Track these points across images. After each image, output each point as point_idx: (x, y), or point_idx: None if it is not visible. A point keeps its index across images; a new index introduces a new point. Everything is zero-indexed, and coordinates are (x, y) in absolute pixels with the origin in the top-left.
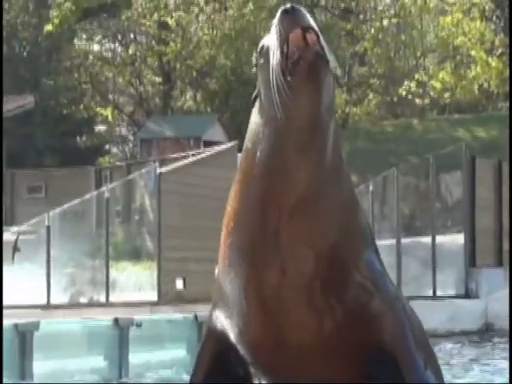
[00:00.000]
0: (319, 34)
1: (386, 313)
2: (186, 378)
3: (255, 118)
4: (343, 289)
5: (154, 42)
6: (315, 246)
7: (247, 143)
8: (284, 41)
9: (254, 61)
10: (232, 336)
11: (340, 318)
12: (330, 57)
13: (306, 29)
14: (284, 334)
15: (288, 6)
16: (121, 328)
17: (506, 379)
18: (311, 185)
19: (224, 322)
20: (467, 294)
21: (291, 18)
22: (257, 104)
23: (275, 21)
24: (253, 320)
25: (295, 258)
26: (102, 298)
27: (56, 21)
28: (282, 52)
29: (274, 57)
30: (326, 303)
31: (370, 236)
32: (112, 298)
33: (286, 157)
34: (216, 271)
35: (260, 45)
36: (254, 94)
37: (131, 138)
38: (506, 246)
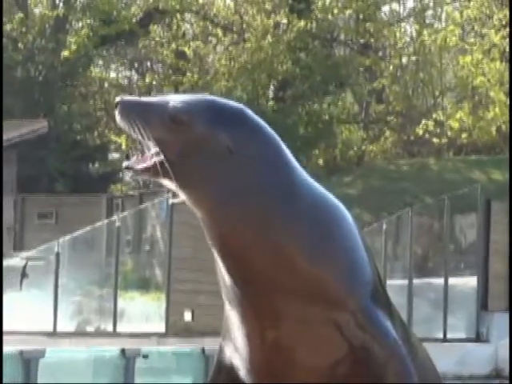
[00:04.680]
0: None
1: (390, 362)
2: None
3: None
4: (349, 339)
5: (170, 71)
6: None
7: None
8: None
9: (271, 94)
10: (239, 369)
11: (344, 365)
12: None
13: None
14: (288, 375)
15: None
16: (127, 359)
17: None
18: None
19: (231, 354)
20: (478, 338)
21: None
22: None
23: None
24: (255, 359)
25: None
26: (109, 328)
27: (73, 46)
28: None
29: None
30: (332, 353)
31: (377, 281)
32: (119, 328)
33: None
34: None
35: None
36: None
37: None
38: None
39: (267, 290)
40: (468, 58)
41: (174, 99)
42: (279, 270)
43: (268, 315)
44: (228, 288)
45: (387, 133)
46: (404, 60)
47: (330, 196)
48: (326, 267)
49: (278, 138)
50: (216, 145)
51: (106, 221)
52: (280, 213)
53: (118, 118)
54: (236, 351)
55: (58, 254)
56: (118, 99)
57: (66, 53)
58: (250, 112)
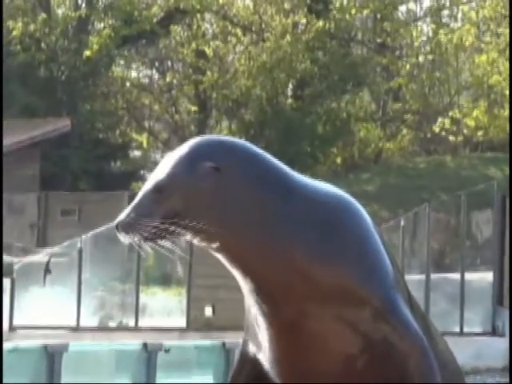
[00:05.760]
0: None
1: (412, 351)
2: None
3: None
4: (370, 333)
5: (190, 71)
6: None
7: None
8: None
9: (289, 92)
10: (263, 362)
11: (366, 358)
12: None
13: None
14: (308, 364)
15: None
16: (149, 353)
17: None
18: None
19: (254, 348)
20: (494, 332)
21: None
22: None
23: None
24: (276, 352)
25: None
26: (131, 323)
27: (95, 46)
28: None
29: None
30: (354, 347)
31: (396, 274)
32: (141, 323)
33: None
34: None
35: None
36: None
37: None
38: None
39: (284, 296)
40: (484, 57)
41: (153, 177)
42: (292, 277)
43: (287, 317)
44: (244, 290)
45: (404, 131)
46: (420, 59)
47: (338, 193)
48: (339, 266)
49: (262, 153)
50: (201, 176)
51: None
52: (281, 219)
53: (124, 239)
54: (259, 345)
55: (80, 250)
56: (116, 224)
57: (88, 53)
58: (227, 141)
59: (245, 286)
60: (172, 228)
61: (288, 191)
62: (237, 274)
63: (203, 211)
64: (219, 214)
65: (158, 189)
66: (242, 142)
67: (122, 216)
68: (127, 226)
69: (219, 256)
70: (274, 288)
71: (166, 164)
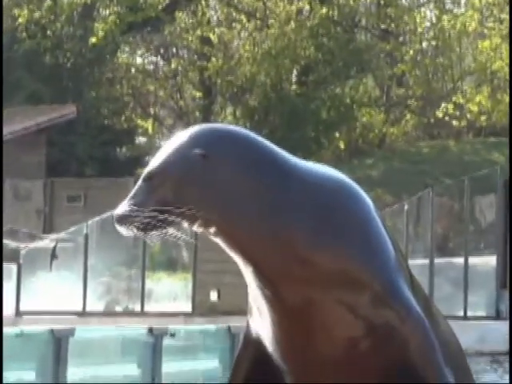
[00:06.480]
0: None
1: (413, 333)
2: None
3: None
4: (371, 316)
5: (195, 57)
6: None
7: None
8: None
9: (294, 78)
10: (266, 344)
11: (368, 340)
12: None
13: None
14: (310, 347)
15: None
16: (155, 337)
17: None
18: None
19: (257, 330)
20: (497, 316)
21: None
22: None
23: None
24: (279, 335)
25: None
26: (137, 308)
27: (100, 33)
28: None
29: None
30: (356, 330)
31: (397, 257)
32: (147, 308)
33: None
34: None
35: None
36: None
37: None
38: None
39: (284, 280)
40: (487, 43)
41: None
42: (292, 261)
43: (288, 301)
44: (246, 274)
45: (408, 116)
46: (424, 45)
47: (337, 176)
48: (340, 250)
49: (257, 139)
50: (190, 163)
51: None
52: (277, 203)
53: (122, 230)
54: (262, 328)
55: (86, 236)
56: (114, 216)
57: (93, 39)
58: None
59: (245, 270)
60: (165, 216)
61: (284, 175)
62: (236, 258)
63: (194, 198)
64: (211, 201)
65: (149, 178)
66: (238, 129)
67: (118, 208)
68: (122, 218)
69: (219, 242)
70: (273, 273)
71: (159, 154)
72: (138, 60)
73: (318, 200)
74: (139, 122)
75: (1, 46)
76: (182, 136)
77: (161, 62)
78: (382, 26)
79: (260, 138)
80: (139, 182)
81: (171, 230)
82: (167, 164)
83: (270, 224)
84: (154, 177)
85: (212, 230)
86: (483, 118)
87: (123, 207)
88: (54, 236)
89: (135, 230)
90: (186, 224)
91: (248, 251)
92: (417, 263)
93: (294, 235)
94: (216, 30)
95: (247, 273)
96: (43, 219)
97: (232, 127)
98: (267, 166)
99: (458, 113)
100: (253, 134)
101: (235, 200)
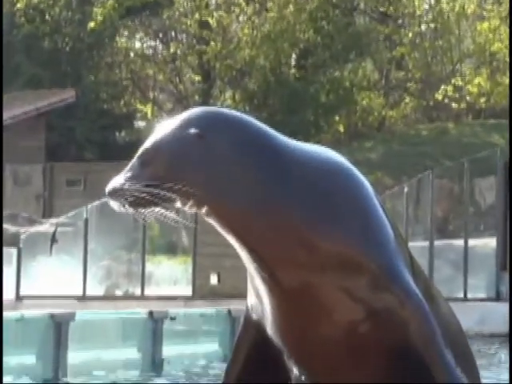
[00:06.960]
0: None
1: (413, 316)
2: (218, 371)
3: None
4: (371, 299)
5: (194, 41)
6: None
7: None
8: None
9: (293, 62)
10: (265, 326)
11: (367, 323)
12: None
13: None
14: (309, 330)
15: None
16: (155, 321)
17: None
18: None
19: (257, 312)
20: (497, 297)
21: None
22: None
23: None
24: (278, 318)
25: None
26: (138, 291)
27: (99, 18)
28: None
29: None
30: (355, 313)
31: (398, 240)
32: (147, 292)
33: None
34: None
35: None
36: None
37: None
38: None
39: (281, 264)
40: (485, 25)
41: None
42: (287, 244)
43: (287, 284)
44: (243, 257)
45: (407, 99)
46: (423, 28)
47: (333, 157)
48: (337, 232)
49: (251, 121)
50: (185, 142)
51: None
52: (270, 184)
53: (115, 205)
54: (261, 310)
55: (86, 220)
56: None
57: (92, 24)
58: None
59: (242, 253)
60: (156, 191)
61: (279, 157)
62: (232, 241)
63: (188, 175)
64: (204, 179)
65: (143, 154)
66: (234, 112)
67: (111, 182)
68: (114, 191)
69: (213, 223)
70: (269, 257)
71: (154, 133)
72: (137, 44)
73: (315, 183)
74: (138, 106)
75: (0, 31)
76: (178, 118)
77: (160, 46)
78: (381, 9)
79: (256, 121)
80: (133, 160)
81: (164, 209)
82: (162, 142)
83: (264, 206)
84: (148, 153)
85: (204, 209)
86: (482, 100)
87: (115, 181)
88: (53, 220)
89: (127, 205)
90: (178, 203)
91: (242, 233)
92: (417, 245)
93: (290, 218)
94: (215, 13)
95: (244, 255)
96: (43, 203)
97: (228, 110)
98: (262, 147)
99: (457, 95)
100: (248, 117)
101: (229, 180)
